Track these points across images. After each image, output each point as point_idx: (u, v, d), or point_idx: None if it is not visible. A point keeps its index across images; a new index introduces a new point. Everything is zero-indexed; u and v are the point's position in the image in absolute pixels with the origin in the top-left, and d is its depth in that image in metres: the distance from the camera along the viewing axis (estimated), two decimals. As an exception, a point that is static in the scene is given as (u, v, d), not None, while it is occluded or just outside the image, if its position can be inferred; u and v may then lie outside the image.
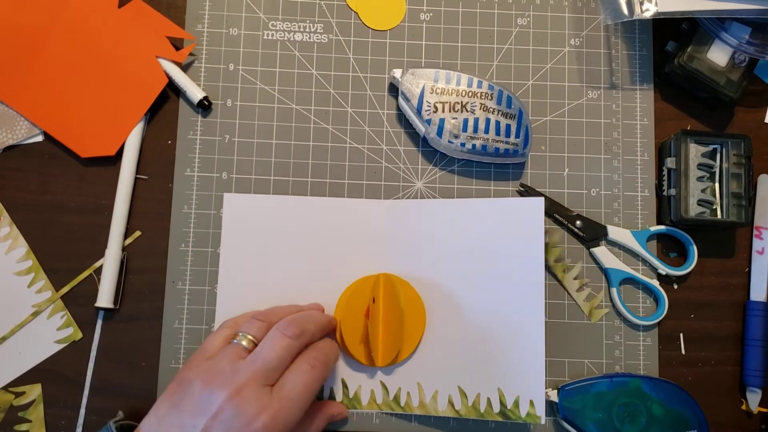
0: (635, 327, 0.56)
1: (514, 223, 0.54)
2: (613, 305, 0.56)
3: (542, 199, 0.54)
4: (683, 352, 0.56)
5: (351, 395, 0.53)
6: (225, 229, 0.55)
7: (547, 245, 0.56)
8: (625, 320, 0.56)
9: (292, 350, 0.46)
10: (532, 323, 0.53)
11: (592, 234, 0.57)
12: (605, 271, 0.56)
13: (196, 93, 0.56)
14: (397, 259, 0.55)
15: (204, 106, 0.57)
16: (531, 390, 0.52)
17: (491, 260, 0.54)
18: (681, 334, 0.57)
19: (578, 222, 0.56)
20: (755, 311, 0.56)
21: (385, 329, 0.51)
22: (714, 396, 0.56)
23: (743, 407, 0.56)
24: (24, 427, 0.53)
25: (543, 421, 0.52)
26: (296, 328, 0.47)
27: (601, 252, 0.56)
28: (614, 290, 0.56)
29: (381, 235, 0.56)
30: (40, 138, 0.57)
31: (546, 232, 0.57)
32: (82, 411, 0.53)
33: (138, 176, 0.56)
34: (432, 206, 0.56)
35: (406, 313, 0.53)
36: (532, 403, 0.52)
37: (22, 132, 0.56)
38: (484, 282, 0.54)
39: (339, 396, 0.53)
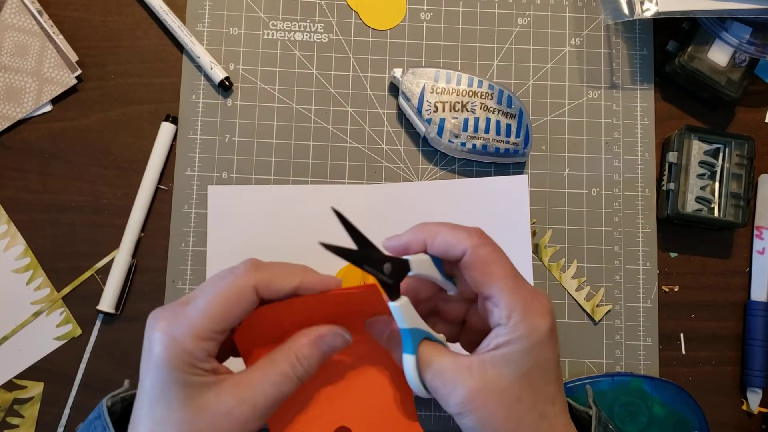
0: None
1: (500, 202, 0.55)
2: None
3: (526, 176, 0.56)
4: (684, 352, 0.56)
5: None
6: (211, 222, 0.55)
7: (538, 245, 0.57)
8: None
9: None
10: None
11: (399, 276, 0.38)
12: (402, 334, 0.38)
13: (218, 73, 0.57)
14: None
15: (225, 87, 0.57)
16: None
17: None
18: (681, 334, 0.57)
19: (386, 265, 0.37)
20: (756, 311, 0.56)
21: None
22: (714, 396, 0.56)
23: (744, 407, 0.56)
24: (15, 421, 0.53)
25: None
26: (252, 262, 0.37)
27: (404, 307, 0.37)
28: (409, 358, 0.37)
29: (367, 219, 0.56)
30: (48, 108, 0.57)
31: (534, 232, 0.57)
32: (67, 411, 0.53)
33: (159, 186, 0.56)
34: (417, 188, 0.56)
35: None
36: None
37: (30, 104, 0.56)
38: None
39: None
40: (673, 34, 0.59)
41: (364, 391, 0.39)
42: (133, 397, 0.40)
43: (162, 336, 0.33)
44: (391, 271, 0.37)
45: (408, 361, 0.36)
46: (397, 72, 0.56)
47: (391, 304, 0.36)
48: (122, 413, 0.40)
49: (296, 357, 0.36)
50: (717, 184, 0.56)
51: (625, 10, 0.55)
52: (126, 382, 0.45)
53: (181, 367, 0.33)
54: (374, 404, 0.39)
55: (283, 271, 0.36)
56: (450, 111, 0.55)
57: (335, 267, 0.55)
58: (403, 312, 0.36)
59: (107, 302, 0.53)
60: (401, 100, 0.56)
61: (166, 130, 0.56)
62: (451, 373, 0.35)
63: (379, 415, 0.39)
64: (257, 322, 0.36)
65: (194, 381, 0.33)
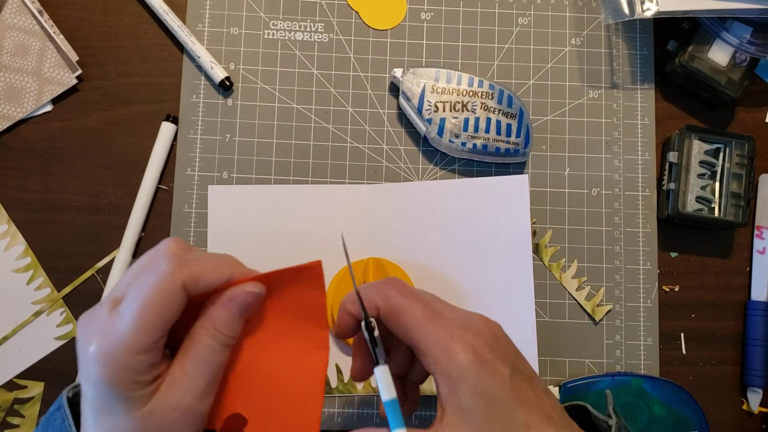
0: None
1: (500, 201, 0.56)
2: None
3: (526, 176, 0.56)
4: (684, 351, 0.56)
5: (346, 380, 0.54)
6: (211, 222, 0.55)
7: (538, 245, 0.57)
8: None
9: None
10: (523, 298, 0.54)
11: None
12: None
13: (218, 73, 0.57)
14: (385, 243, 0.55)
15: (226, 87, 0.57)
16: None
17: (479, 239, 0.55)
18: (682, 334, 0.57)
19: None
20: (756, 311, 0.56)
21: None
22: (715, 396, 0.56)
23: (744, 407, 0.56)
24: (16, 421, 0.53)
25: None
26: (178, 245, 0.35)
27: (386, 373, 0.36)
28: None
29: (367, 219, 0.56)
30: (49, 108, 0.57)
31: (535, 232, 0.57)
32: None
33: (159, 186, 0.56)
34: (417, 188, 0.56)
35: None
36: None
37: (30, 104, 0.56)
38: (473, 260, 0.55)
39: (334, 381, 0.53)
40: (674, 33, 0.59)
41: (274, 384, 0.38)
42: None
43: (98, 353, 0.32)
44: (365, 329, 0.36)
45: None
46: (398, 72, 0.56)
47: (376, 369, 0.35)
48: None
49: (213, 327, 0.34)
50: (717, 184, 0.56)
51: (626, 10, 0.55)
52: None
53: (122, 384, 0.32)
54: (280, 399, 0.38)
55: (212, 265, 0.34)
56: (450, 111, 0.55)
57: (335, 267, 0.55)
58: (386, 378, 0.35)
59: (108, 302, 0.53)
60: (401, 100, 0.56)
61: (166, 129, 0.56)
62: None
63: (280, 411, 0.37)
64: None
65: (136, 396, 0.32)
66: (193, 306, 0.35)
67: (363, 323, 0.37)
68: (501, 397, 0.33)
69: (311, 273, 0.36)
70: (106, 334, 0.32)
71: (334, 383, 0.54)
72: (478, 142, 0.55)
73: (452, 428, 0.33)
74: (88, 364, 0.32)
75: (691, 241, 0.58)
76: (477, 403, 0.33)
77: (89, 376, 0.32)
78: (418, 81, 0.56)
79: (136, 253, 0.55)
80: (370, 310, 0.36)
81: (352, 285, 0.53)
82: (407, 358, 0.40)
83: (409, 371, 0.40)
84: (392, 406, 0.34)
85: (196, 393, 0.34)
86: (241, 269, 0.35)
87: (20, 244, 0.55)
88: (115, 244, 0.55)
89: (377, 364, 0.36)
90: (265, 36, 0.59)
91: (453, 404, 0.33)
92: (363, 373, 0.39)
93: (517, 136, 0.56)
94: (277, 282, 0.36)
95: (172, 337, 0.34)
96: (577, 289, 0.56)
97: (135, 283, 0.33)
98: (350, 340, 0.52)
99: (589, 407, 0.40)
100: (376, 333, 0.36)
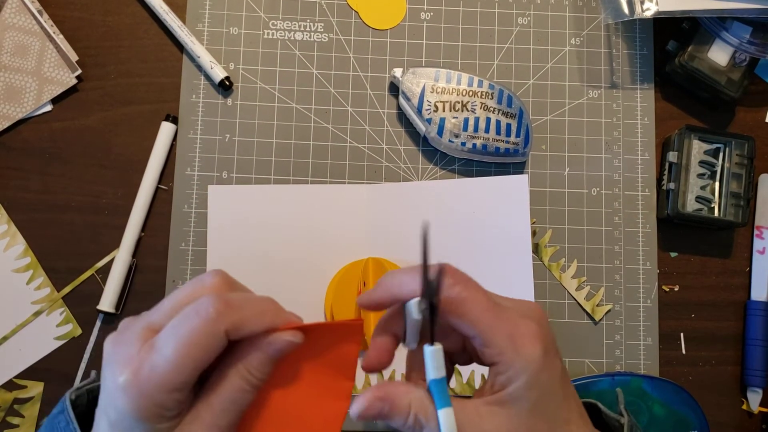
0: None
1: (500, 201, 0.56)
2: None
3: (526, 176, 0.56)
4: (684, 351, 0.56)
5: None
6: (211, 222, 0.55)
7: (538, 245, 0.57)
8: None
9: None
10: (523, 298, 0.53)
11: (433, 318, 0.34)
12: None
13: (218, 72, 0.57)
14: (385, 243, 0.55)
15: (225, 87, 0.57)
16: None
17: (479, 239, 0.55)
18: (681, 334, 0.57)
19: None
20: (756, 311, 0.56)
21: (376, 314, 0.51)
22: (715, 396, 0.56)
23: (744, 407, 0.56)
24: (15, 421, 0.53)
25: None
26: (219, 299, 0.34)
27: (439, 353, 0.35)
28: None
29: (367, 218, 0.56)
30: (48, 108, 0.57)
31: (535, 232, 0.57)
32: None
33: (159, 186, 0.56)
34: (417, 188, 0.56)
35: None
36: None
37: (30, 104, 0.56)
38: (473, 260, 0.55)
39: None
40: (674, 33, 0.59)
41: (290, 428, 0.37)
42: (98, 389, 0.37)
43: (128, 386, 0.31)
44: (425, 311, 0.34)
45: (448, 415, 0.33)
46: (398, 72, 0.56)
47: (430, 349, 0.34)
48: (88, 406, 0.39)
49: (246, 369, 0.34)
50: (717, 184, 0.56)
51: (626, 10, 0.55)
52: (93, 373, 0.43)
53: (148, 419, 0.32)
54: None
55: (255, 311, 0.34)
56: (450, 110, 0.55)
57: (336, 266, 0.55)
58: (437, 358, 0.34)
59: (107, 302, 0.53)
60: (401, 100, 0.56)
61: (166, 129, 0.56)
62: (464, 425, 0.34)
63: None
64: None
65: (161, 428, 0.32)
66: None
67: (417, 302, 0.34)
68: (552, 391, 0.34)
69: (352, 329, 0.36)
70: (140, 366, 0.32)
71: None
72: (478, 142, 0.55)
73: (497, 415, 0.33)
74: (116, 391, 0.32)
75: (691, 241, 0.58)
76: (530, 393, 0.33)
77: (116, 403, 0.32)
78: (418, 81, 0.56)
79: (136, 253, 0.55)
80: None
81: (353, 285, 0.53)
82: (456, 345, 0.39)
83: (454, 356, 0.39)
84: (440, 386, 0.34)
85: (219, 431, 0.33)
86: (283, 317, 0.35)
87: (20, 244, 0.55)
88: (115, 244, 0.55)
89: (432, 343, 0.34)
90: (265, 36, 0.59)
91: (506, 392, 0.33)
92: (379, 362, 0.37)
93: (517, 136, 0.56)
94: (315, 332, 0.36)
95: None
96: (576, 289, 0.56)
97: (176, 318, 0.33)
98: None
99: (600, 405, 0.40)
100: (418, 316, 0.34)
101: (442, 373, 0.34)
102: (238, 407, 0.34)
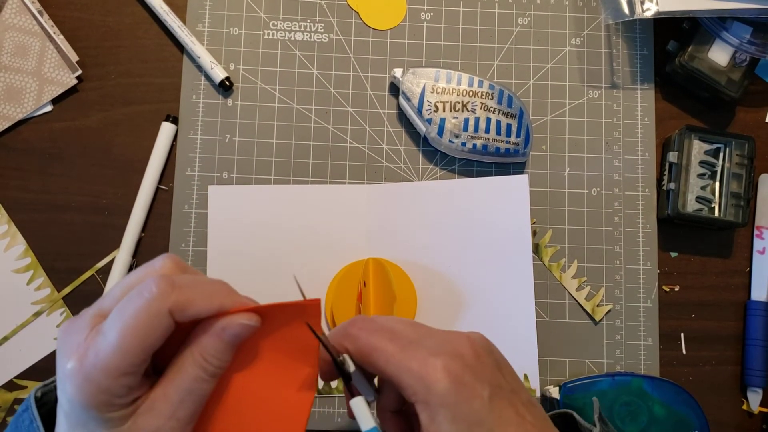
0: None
1: (500, 201, 0.56)
2: None
3: (526, 176, 0.57)
4: (684, 351, 0.56)
5: None
6: (211, 222, 0.55)
7: (538, 245, 0.57)
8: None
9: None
10: (523, 298, 0.55)
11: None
12: None
13: (218, 73, 0.57)
14: (385, 243, 0.55)
15: (226, 87, 0.57)
16: (524, 363, 0.54)
17: (479, 239, 0.55)
18: (682, 334, 0.57)
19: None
20: (756, 311, 0.56)
21: (376, 312, 0.51)
22: (715, 396, 0.56)
23: (744, 407, 0.56)
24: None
25: (538, 394, 0.54)
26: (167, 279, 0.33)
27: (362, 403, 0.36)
28: None
29: (367, 219, 0.56)
30: (49, 108, 0.57)
31: (535, 232, 0.57)
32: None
33: (159, 186, 0.56)
34: (417, 188, 0.56)
35: (397, 295, 0.53)
36: (526, 376, 0.54)
37: (30, 104, 0.56)
38: (473, 261, 0.55)
39: (334, 381, 0.53)
40: (674, 33, 0.59)
41: (255, 418, 0.36)
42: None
43: (75, 372, 0.30)
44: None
45: None
46: (398, 72, 0.56)
47: (356, 400, 0.35)
48: (56, 404, 0.37)
49: (202, 356, 0.33)
50: (717, 184, 0.56)
51: (626, 10, 0.55)
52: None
53: (97, 407, 0.31)
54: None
55: (203, 292, 0.33)
56: (450, 111, 0.55)
57: (336, 267, 0.55)
58: (363, 408, 0.35)
59: (108, 302, 0.53)
60: (401, 100, 0.56)
61: (166, 130, 0.56)
62: None
63: None
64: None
65: (113, 417, 0.31)
66: (183, 328, 0.33)
67: (335, 366, 0.36)
68: (480, 420, 0.33)
69: (309, 311, 0.35)
70: (85, 352, 0.31)
71: (334, 383, 0.54)
72: (478, 142, 0.55)
73: None
74: (65, 379, 0.31)
75: (691, 241, 0.58)
76: (456, 428, 0.32)
77: (65, 391, 0.31)
78: (418, 81, 0.56)
79: (136, 253, 0.55)
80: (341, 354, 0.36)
81: (353, 285, 0.53)
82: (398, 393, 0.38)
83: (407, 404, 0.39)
84: None
85: (178, 423, 0.32)
86: (235, 299, 0.34)
87: (20, 244, 0.55)
88: (115, 244, 0.55)
89: (352, 396, 0.35)
90: (265, 36, 0.59)
91: (433, 430, 0.33)
92: (328, 372, 0.38)
93: (517, 136, 0.56)
94: (272, 315, 0.35)
95: (157, 356, 0.33)
96: (577, 289, 0.56)
97: (122, 301, 0.32)
98: None
99: (575, 415, 0.40)
100: (352, 369, 0.36)
101: (371, 422, 0.35)
102: (196, 397, 0.33)
